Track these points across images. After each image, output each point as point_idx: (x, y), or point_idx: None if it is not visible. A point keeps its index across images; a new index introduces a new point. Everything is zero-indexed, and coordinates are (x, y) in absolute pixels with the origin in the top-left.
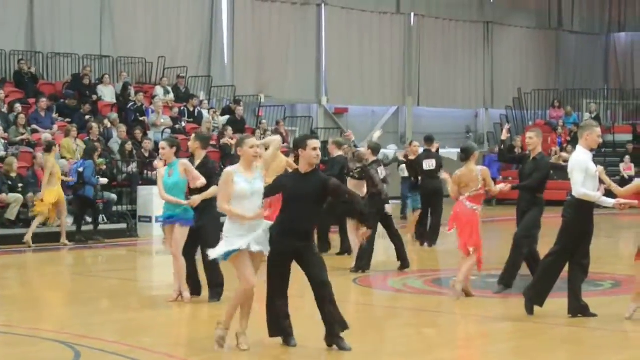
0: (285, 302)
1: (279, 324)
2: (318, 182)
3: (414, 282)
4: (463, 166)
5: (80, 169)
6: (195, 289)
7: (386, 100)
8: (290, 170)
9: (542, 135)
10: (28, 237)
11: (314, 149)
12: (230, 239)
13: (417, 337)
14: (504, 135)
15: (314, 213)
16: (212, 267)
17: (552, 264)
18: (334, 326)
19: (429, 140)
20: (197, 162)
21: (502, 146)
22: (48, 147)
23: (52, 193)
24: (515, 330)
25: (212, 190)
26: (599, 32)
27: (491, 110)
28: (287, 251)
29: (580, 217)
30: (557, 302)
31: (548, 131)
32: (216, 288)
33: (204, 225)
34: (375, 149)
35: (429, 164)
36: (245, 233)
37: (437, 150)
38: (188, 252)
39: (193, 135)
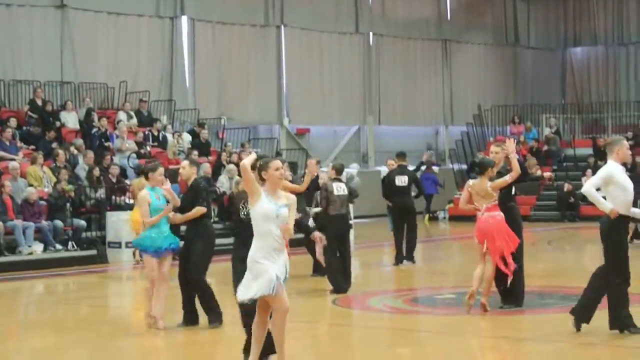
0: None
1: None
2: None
3: (394, 301)
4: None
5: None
6: (193, 318)
7: (347, 120)
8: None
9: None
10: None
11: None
12: (258, 269)
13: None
14: None
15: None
16: (205, 291)
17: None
18: None
19: (401, 155)
20: (189, 184)
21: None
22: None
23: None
24: (511, 348)
25: (196, 210)
26: (555, 47)
27: (451, 127)
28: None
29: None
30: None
31: None
32: (215, 311)
33: (195, 248)
34: (339, 169)
35: (401, 180)
36: (272, 260)
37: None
38: (183, 279)
39: (187, 162)
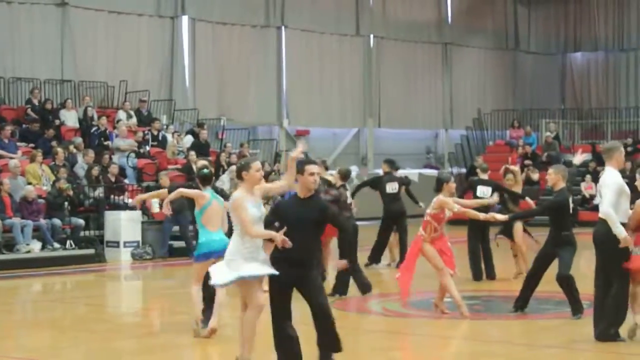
0: (291, 325)
1: (291, 349)
2: (316, 208)
3: (392, 304)
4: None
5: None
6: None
7: (347, 122)
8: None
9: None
10: None
11: (312, 174)
12: (236, 262)
13: None
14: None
15: (314, 239)
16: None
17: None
18: (327, 352)
19: (390, 162)
20: None
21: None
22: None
23: None
24: (505, 353)
25: None
26: (555, 52)
27: (451, 131)
28: (287, 280)
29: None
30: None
31: (507, 151)
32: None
33: None
34: (345, 174)
35: (392, 187)
36: (251, 256)
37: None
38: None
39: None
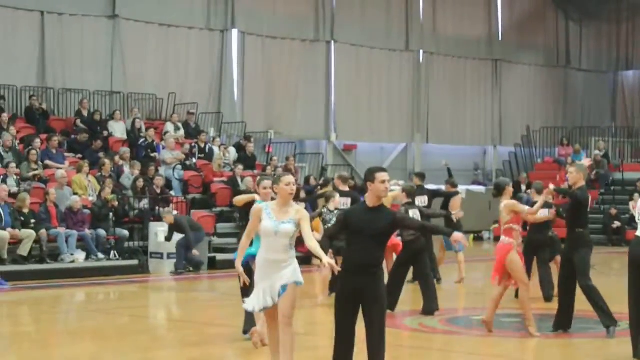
0: (349, 351)
1: None
2: (385, 216)
3: (430, 321)
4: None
5: None
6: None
7: (395, 137)
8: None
9: (584, 171)
10: None
11: (383, 181)
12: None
13: None
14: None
15: (380, 249)
16: None
17: None
18: None
19: (421, 176)
20: None
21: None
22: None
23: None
24: None
25: None
26: (606, 70)
27: (499, 147)
28: (351, 289)
29: None
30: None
31: (556, 169)
32: None
33: None
34: (410, 192)
35: (421, 200)
36: (262, 272)
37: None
38: None
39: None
